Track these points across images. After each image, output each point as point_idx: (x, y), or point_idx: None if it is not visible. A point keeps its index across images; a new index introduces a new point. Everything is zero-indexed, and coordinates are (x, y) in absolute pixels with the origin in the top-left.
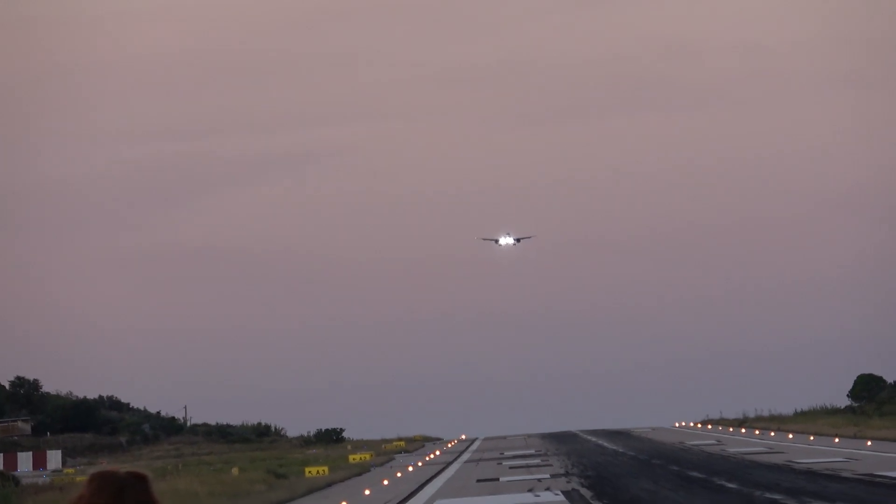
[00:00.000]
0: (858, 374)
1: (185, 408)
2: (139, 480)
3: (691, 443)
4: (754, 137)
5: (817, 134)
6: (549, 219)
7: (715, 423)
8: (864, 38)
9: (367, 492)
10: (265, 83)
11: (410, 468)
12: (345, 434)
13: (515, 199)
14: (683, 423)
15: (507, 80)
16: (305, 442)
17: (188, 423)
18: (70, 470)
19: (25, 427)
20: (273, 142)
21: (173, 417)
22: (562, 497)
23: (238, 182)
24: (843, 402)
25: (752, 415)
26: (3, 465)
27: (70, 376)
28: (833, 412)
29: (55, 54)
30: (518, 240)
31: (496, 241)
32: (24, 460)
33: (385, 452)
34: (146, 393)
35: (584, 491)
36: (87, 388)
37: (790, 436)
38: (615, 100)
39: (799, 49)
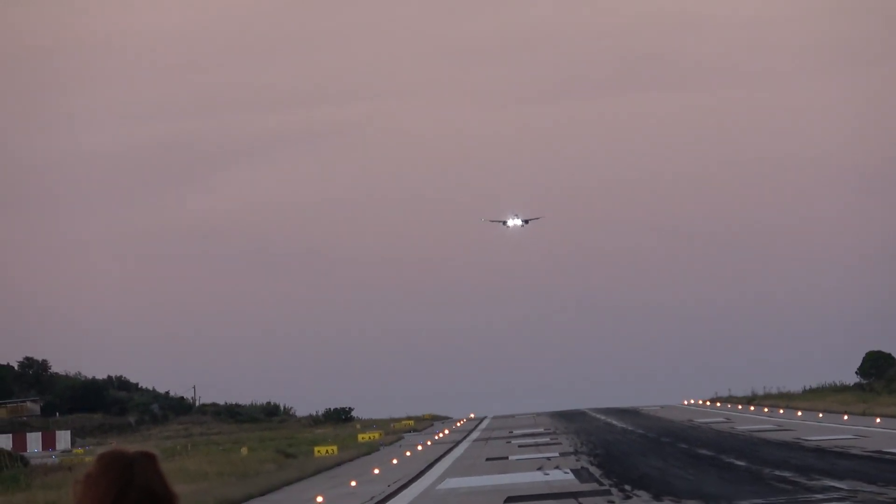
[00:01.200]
0: (867, 350)
1: (194, 388)
2: (147, 459)
3: (700, 420)
4: (766, 112)
5: (834, 109)
6: (556, 198)
7: (724, 400)
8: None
9: (376, 471)
10: (271, 61)
11: (419, 447)
12: (354, 413)
13: (522, 178)
14: (692, 401)
15: (513, 56)
16: (314, 421)
17: (197, 403)
18: (79, 450)
19: (34, 408)
20: (283, 119)
21: (182, 397)
22: (571, 475)
23: (248, 160)
24: (852, 379)
25: (760, 392)
26: (13, 445)
27: (79, 357)
28: (842, 389)
29: (63, 30)
30: (526, 221)
31: (504, 222)
32: (34, 441)
33: (394, 431)
34: (155, 373)
35: (593, 469)
36: (96, 369)
37: (799, 413)
38: (622, 76)
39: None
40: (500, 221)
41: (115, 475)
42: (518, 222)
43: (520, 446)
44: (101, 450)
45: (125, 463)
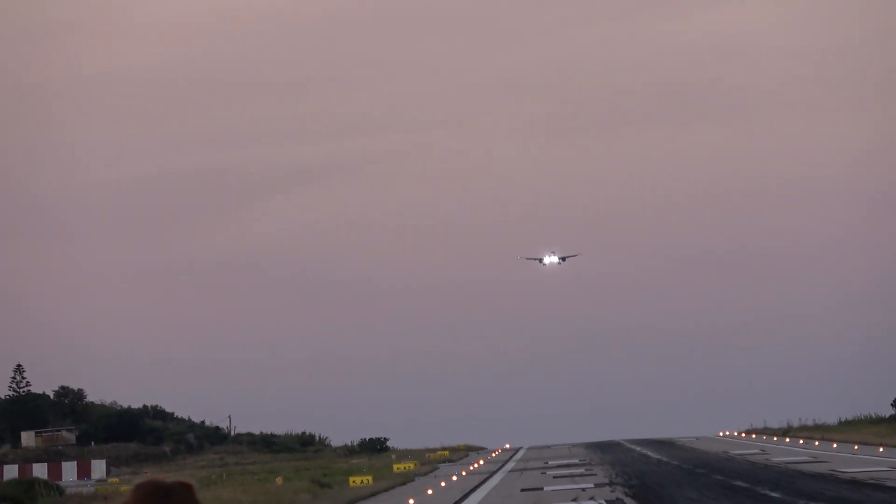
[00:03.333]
0: None
1: (230, 417)
2: (185, 489)
3: (735, 452)
4: (802, 145)
5: (865, 137)
6: (592, 228)
7: (759, 432)
8: None
9: (411, 501)
10: (307, 92)
11: (455, 477)
12: (389, 443)
13: (557, 213)
14: (727, 433)
15: (550, 89)
16: (349, 451)
17: (232, 433)
18: (115, 479)
19: (70, 437)
20: (315, 152)
21: (217, 427)
22: None
23: (282, 192)
24: (888, 410)
25: (796, 424)
26: (48, 474)
27: (114, 386)
28: (877, 421)
29: (93, 61)
30: (563, 258)
31: (540, 259)
32: (69, 470)
33: (429, 462)
34: (190, 402)
35: (627, 501)
36: (132, 398)
37: (834, 445)
38: (660, 110)
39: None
40: (536, 259)
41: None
42: (555, 259)
43: (555, 477)
44: (137, 479)
45: (163, 493)
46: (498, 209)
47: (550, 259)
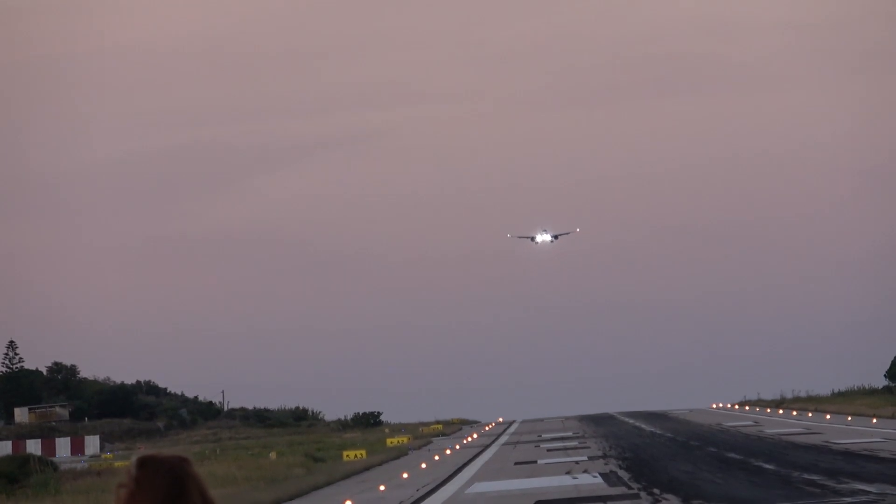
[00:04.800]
0: None
1: (223, 392)
2: (183, 462)
3: (729, 424)
4: (800, 118)
5: (862, 110)
6: (583, 206)
7: (752, 404)
8: None
9: (404, 475)
10: (308, 67)
11: (448, 451)
12: (382, 418)
13: (552, 184)
14: (721, 405)
15: (545, 61)
16: (343, 426)
17: (226, 408)
18: (108, 455)
19: (63, 413)
20: (311, 127)
21: (211, 402)
22: (600, 479)
23: (277, 167)
24: (881, 382)
25: (789, 396)
26: (42, 450)
27: (107, 362)
28: (870, 393)
29: (90, 37)
30: (556, 236)
31: (532, 238)
32: (63, 446)
33: (423, 436)
34: (183, 378)
35: (621, 473)
36: (125, 374)
37: (827, 416)
38: (655, 82)
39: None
40: (528, 237)
41: (167, 479)
42: (547, 238)
43: (548, 450)
44: (137, 454)
45: (170, 467)
46: (494, 181)
47: (543, 237)
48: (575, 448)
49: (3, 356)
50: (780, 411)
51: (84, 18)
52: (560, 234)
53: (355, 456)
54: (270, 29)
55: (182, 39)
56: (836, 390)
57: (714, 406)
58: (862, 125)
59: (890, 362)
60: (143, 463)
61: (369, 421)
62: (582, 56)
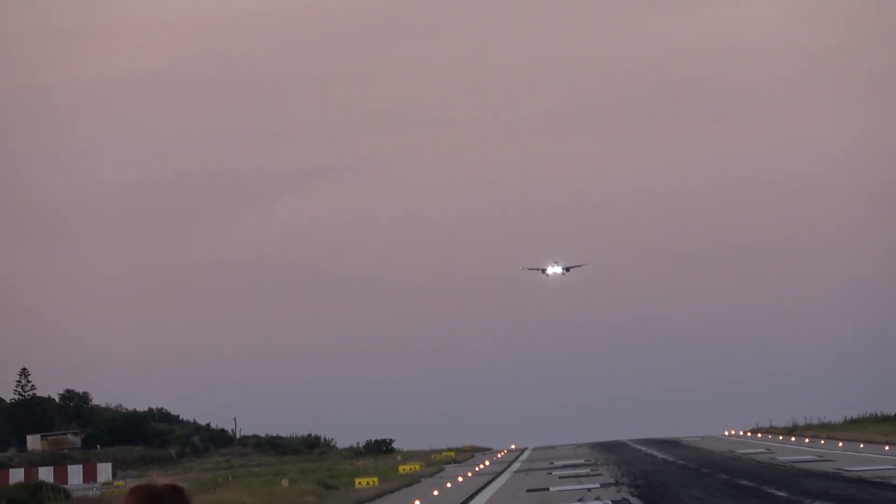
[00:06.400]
0: None
1: (235, 420)
2: (175, 492)
3: (741, 451)
4: (810, 142)
5: (871, 134)
6: (594, 230)
7: (764, 431)
8: None
9: (417, 502)
10: (317, 92)
11: (460, 478)
12: (394, 445)
13: (562, 211)
14: (733, 432)
15: (553, 86)
16: (355, 453)
17: (238, 435)
18: (120, 483)
19: (75, 440)
20: (320, 152)
21: (223, 429)
22: None
23: (287, 192)
24: (894, 409)
25: (801, 423)
26: (54, 478)
27: (120, 389)
28: (883, 420)
29: (93, 62)
30: (567, 269)
31: (543, 270)
32: (75, 473)
33: (435, 463)
34: (196, 405)
35: (633, 500)
36: (137, 401)
37: (840, 444)
38: (661, 109)
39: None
40: (538, 269)
41: None
42: (559, 270)
43: (560, 477)
44: (132, 483)
45: (152, 495)
46: (504, 204)
47: (554, 269)
48: (587, 475)
49: (15, 383)
50: (793, 438)
51: (88, 43)
52: (572, 267)
53: (367, 483)
54: (276, 54)
55: (184, 64)
56: (848, 417)
57: (726, 433)
58: (872, 148)
59: None
60: (132, 491)
61: (381, 448)
62: (590, 81)
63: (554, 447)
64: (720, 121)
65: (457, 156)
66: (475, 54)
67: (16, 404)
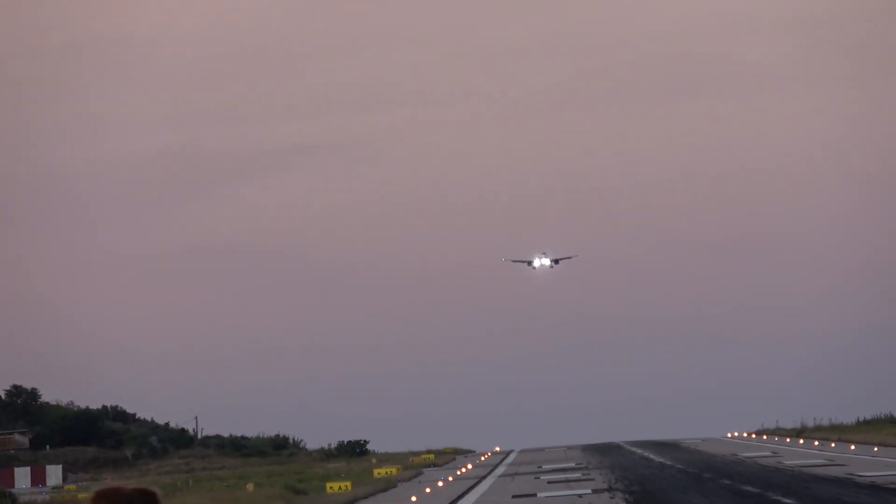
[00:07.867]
0: None
1: (196, 419)
2: (147, 497)
3: (745, 455)
4: (821, 121)
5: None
6: (586, 221)
7: (770, 433)
8: None
9: None
10: (296, 67)
11: (440, 483)
12: (369, 447)
13: (553, 194)
14: (736, 434)
15: (551, 61)
16: (326, 455)
17: (199, 436)
18: (71, 486)
19: (23, 440)
20: (294, 130)
21: (183, 429)
22: None
23: (254, 177)
24: None
25: (810, 424)
26: (0, 481)
27: (71, 385)
28: None
29: (67, 33)
30: (556, 261)
31: (529, 262)
32: (22, 476)
33: (413, 466)
34: (154, 403)
35: None
36: (90, 398)
37: (852, 447)
38: (661, 84)
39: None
40: (524, 262)
41: None
42: (546, 262)
43: (549, 482)
44: (97, 487)
45: (120, 501)
46: (492, 189)
47: (541, 261)
48: (578, 480)
49: None
50: (801, 441)
51: (53, 14)
52: (560, 259)
53: (339, 488)
54: (252, 27)
55: (157, 38)
56: (861, 418)
57: (729, 435)
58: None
59: None
60: (101, 496)
61: (355, 450)
62: (586, 57)
63: (542, 449)
64: (725, 99)
65: (440, 135)
66: (461, 27)
67: None
